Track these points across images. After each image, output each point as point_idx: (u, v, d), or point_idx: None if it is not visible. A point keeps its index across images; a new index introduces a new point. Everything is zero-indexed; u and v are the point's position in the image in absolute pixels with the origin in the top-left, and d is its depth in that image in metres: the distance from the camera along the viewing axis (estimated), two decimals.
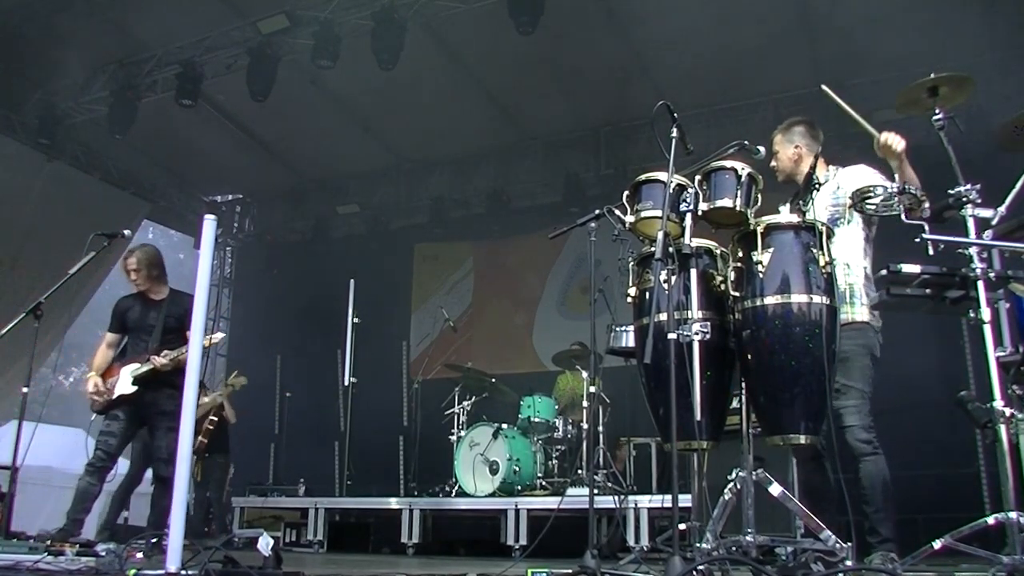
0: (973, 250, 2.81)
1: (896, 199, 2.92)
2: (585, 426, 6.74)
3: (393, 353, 10.59)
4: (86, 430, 5.15)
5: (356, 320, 8.00)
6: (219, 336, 5.23)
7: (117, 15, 7.79)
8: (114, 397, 4.82)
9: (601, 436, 6.50)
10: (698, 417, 2.85)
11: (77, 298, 9.66)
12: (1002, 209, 2.89)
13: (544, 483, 6.79)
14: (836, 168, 3.73)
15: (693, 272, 3.03)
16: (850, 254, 3.49)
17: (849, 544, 2.85)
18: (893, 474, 3.30)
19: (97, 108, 8.88)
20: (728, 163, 3.20)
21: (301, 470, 8.80)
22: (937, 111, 3.10)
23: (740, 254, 3.18)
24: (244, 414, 8.40)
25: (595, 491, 3.96)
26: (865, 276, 3.51)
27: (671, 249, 2.95)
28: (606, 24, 7.79)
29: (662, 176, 3.17)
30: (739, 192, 3.14)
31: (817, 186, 3.58)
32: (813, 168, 3.59)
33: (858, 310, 3.42)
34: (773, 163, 3.76)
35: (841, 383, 3.31)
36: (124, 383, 4.84)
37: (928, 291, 2.87)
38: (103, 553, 3.89)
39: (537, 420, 6.89)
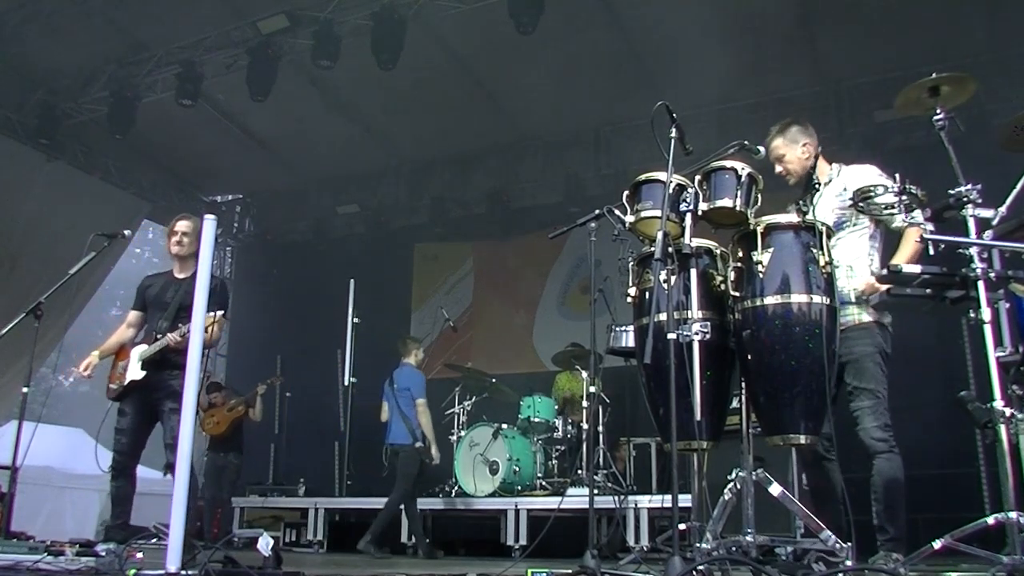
0: (973, 250, 2.81)
1: (897, 199, 2.92)
2: (585, 426, 6.74)
3: (393, 353, 10.57)
4: (93, 433, 4.92)
5: (356, 320, 8.01)
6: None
7: (117, 15, 7.79)
8: (126, 383, 4.54)
9: (601, 436, 6.51)
10: (698, 417, 2.85)
11: (77, 298, 9.65)
12: (1002, 209, 2.89)
13: (544, 483, 6.79)
14: (839, 166, 3.66)
15: (693, 272, 3.03)
16: (854, 257, 3.44)
17: (849, 544, 2.85)
18: None
19: (97, 108, 8.87)
20: (728, 163, 3.20)
21: (301, 470, 8.80)
22: (938, 111, 3.10)
23: (740, 254, 3.18)
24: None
25: (595, 491, 3.96)
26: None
27: (671, 249, 2.94)
28: (606, 24, 7.79)
29: (662, 176, 3.17)
30: (739, 192, 3.14)
31: (817, 186, 3.58)
32: (813, 168, 3.60)
33: (862, 311, 3.37)
34: (780, 169, 3.66)
35: (853, 385, 3.31)
36: (133, 368, 4.56)
37: (928, 291, 2.87)
38: (103, 553, 3.88)
39: (537, 420, 6.90)
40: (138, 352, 4.57)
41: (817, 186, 3.58)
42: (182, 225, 4.75)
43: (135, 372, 4.53)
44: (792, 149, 3.64)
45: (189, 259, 4.70)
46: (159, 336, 4.50)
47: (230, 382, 11.23)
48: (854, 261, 3.44)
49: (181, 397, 4.43)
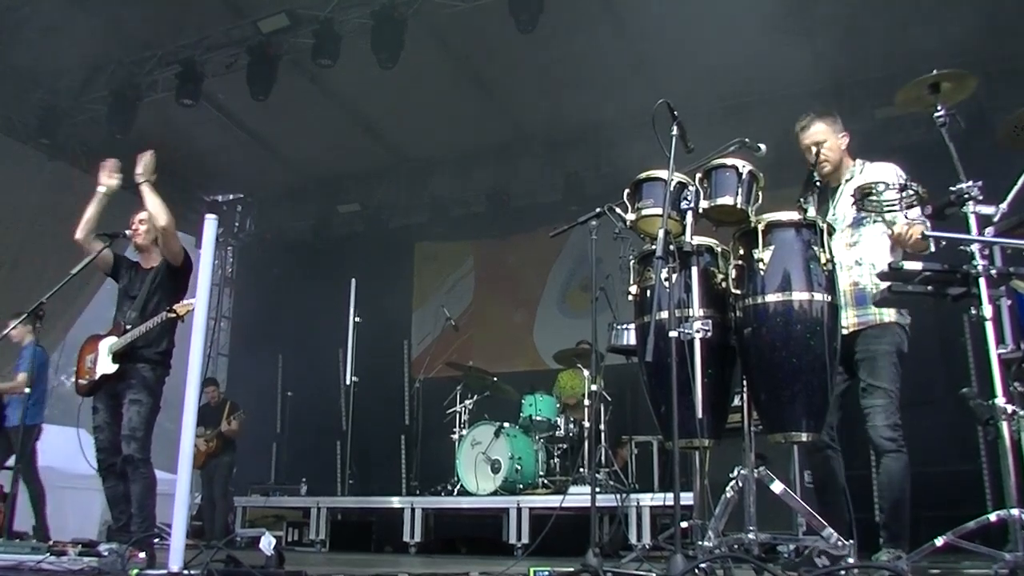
0: (975, 247, 2.80)
1: (898, 196, 2.91)
2: (587, 424, 6.74)
3: (394, 352, 10.59)
4: (88, 428, 4.85)
5: (357, 319, 8.00)
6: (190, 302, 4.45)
7: (117, 15, 7.78)
8: (97, 378, 4.46)
9: (603, 434, 6.51)
10: (699, 415, 2.85)
11: (78, 298, 9.66)
12: (1004, 206, 2.88)
13: (546, 482, 6.79)
14: (863, 163, 3.61)
15: (694, 270, 3.03)
16: (876, 254, 3.38)
17: (851, 541, 2.85)
18: None
19: (97, 108, 8.87)
20: (729, 161, 3.20)
21: (303, 469, 8.80)
22: (939, 108, 3.09)
23: (741, 252, 3.17)
24: (245, 414, 8.42)
25: (597, 489, 3.96)
26: None
27: (672, 247, 2.94)
28: (606, 23, 7.79)
29: (663, 174, 3.17)
30: (740, 190, 3.13)
31: (817, 184, 3.57)
32: (813, 167, 3.58)
33: (884, 310, 3.31)
34: (815, 156, 3.52)
35: (867, 383, 3.29)
36: (104, 362, 4.45)
37: (930, 288, 2.87)
38: (105, 553, 3.88)
39: (539, 418, 6.90)
40: (107, 345, 4.47)
41: (817, 185, 3.56)
42: (139, 216, 4.93)
43: (106, 366, 4.43)
44: (834, 137, 3.59)
45: (149, 249, 4.83)
46: (128, 327, 4.45)
47: (231, 382, 11.25)
48: (877, 258, 3.36)
49: (144, 388, 4.37)
